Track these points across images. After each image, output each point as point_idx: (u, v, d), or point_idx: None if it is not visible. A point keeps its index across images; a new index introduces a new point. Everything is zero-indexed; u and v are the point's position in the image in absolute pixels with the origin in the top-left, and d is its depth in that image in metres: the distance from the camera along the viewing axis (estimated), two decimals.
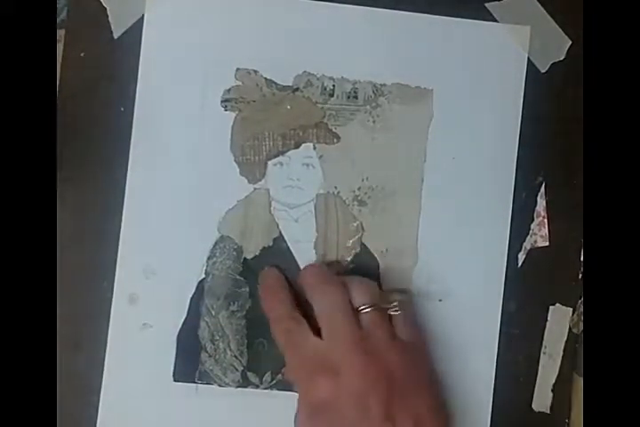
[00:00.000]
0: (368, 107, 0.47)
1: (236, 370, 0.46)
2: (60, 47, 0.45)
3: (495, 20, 0.47)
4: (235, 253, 0.46)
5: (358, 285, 0.42)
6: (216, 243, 0.46)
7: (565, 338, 0.47)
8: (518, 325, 0.47)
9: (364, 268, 0.46)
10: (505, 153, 0.47)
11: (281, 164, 0.46)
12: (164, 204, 0.46)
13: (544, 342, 0.47)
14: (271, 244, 0.46)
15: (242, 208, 0.46)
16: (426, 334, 0.46)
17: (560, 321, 0.47)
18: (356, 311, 0.41)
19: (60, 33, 0.45)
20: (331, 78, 0.46)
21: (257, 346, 0.46)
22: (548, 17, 0.47)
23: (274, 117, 0.46)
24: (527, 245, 0.47)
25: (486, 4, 0.47)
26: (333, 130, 0.46)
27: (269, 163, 0.46)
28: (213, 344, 0.46)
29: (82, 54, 0.45)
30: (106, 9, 0.45)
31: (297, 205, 0.46)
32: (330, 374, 0.39)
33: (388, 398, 0.39)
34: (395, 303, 0.42)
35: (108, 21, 0.45)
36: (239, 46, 0.46)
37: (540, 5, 0.47)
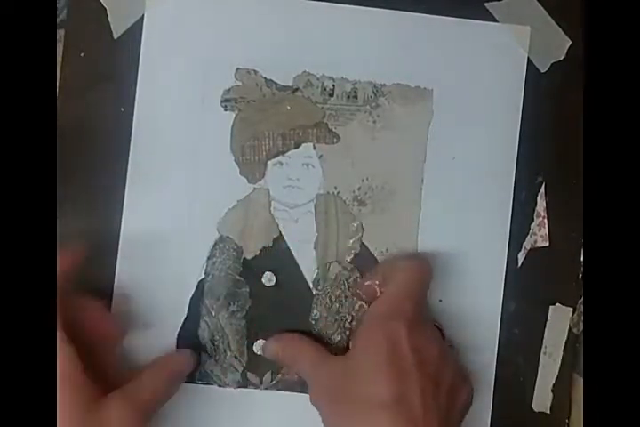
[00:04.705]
0: (368, 107, 0.47)
1: (236, 370, 0.46)
2: (59, 47, 0.45)
3: (495, 20, 0.47)
4: (234, 253, 0.46)
5: None
6: (216, 243, 0.46)
7: (565, 338, 0.47)
8: (518, 325, 0.47)
9: (364, 268, 0.46)
10: (505, 153, 0.47)
11: (281, 163, 0.46)
12: (163, 203, 0.46)
13: (544, 342, 0.47)
14: (271, 244, 0.46)
15: (242, 208, 0.46)
16: None
17: (560, 321, 0.47)
18: None
19: (60, 33, 0.45)
20: (331, 78, 0.46)
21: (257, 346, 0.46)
22: (548, 17, 0.47)
23: (274, 117, 0.46)
24: (527, 245, 0.47)
25: (486, 4, 0.47)
26: (333, 130, 0.46)
27: (269, 163, 0.46)
28: (213, 344, 0.46)
29: (82, 54, 0.45)
30: (106, 9, 0.45)
31: (297, 205, 0.46)
32: None
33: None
34: None
35: (108, 21, 0.45)
36: (239, 46, 0.46)
37: (540, 5, 0.47)
